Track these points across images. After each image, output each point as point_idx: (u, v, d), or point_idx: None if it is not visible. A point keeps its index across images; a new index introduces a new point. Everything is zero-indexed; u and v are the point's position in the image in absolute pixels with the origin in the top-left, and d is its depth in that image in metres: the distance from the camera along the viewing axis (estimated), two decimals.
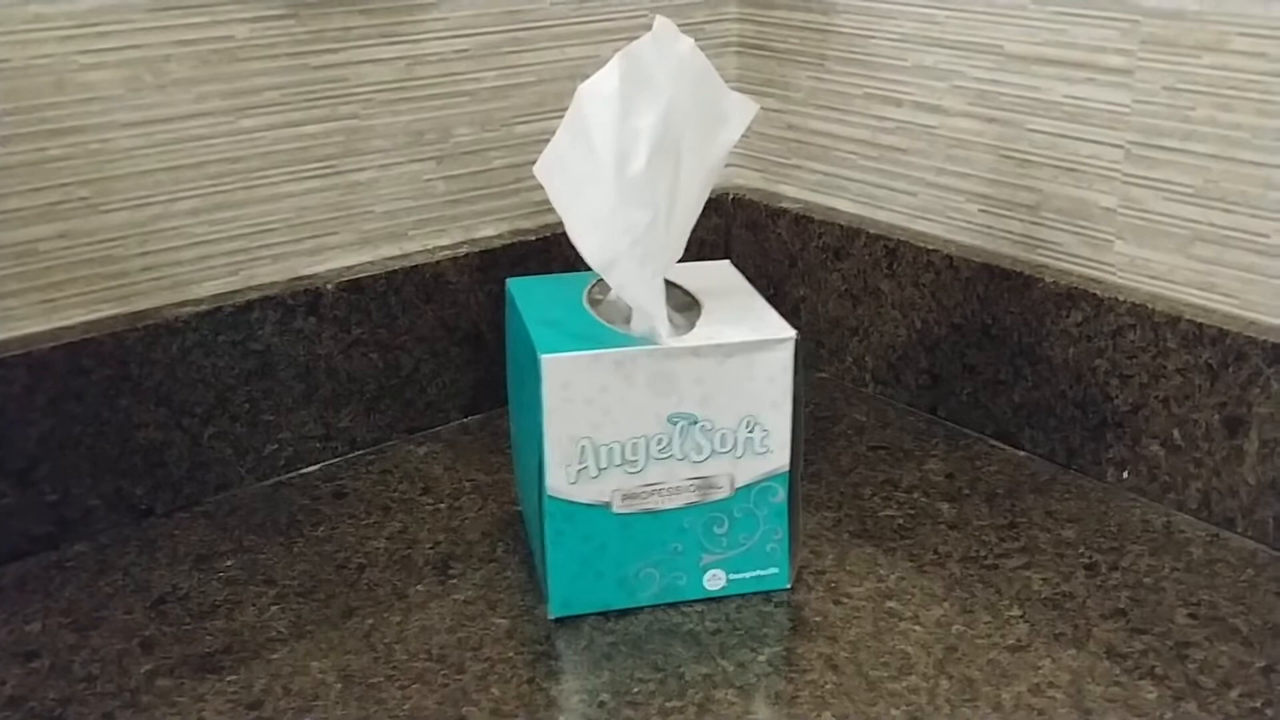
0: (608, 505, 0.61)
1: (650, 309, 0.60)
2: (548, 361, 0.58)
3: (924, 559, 0.67)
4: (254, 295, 0.74)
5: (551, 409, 0.59)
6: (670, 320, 0.62)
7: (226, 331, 0.72)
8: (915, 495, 0.73)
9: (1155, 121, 0.69)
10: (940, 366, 0.81)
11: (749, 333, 0.61)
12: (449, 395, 0.82)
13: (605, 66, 0.57)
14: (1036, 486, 0.74)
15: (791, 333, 0.61)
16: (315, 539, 0.70)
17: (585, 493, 0.61)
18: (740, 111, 0.62)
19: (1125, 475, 0.73)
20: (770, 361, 0.61)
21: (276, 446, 0.76)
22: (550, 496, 0.60)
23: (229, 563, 0.68)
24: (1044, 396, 0.76)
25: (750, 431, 0.62)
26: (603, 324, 0.62)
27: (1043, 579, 0.65)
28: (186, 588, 0.66)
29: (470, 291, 0.81)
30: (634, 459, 0.61)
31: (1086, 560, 0.67)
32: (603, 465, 0.60)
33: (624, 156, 0.57)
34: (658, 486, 0.61)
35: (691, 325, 0.62)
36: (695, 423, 0.61)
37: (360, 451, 0.79)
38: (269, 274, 0.76)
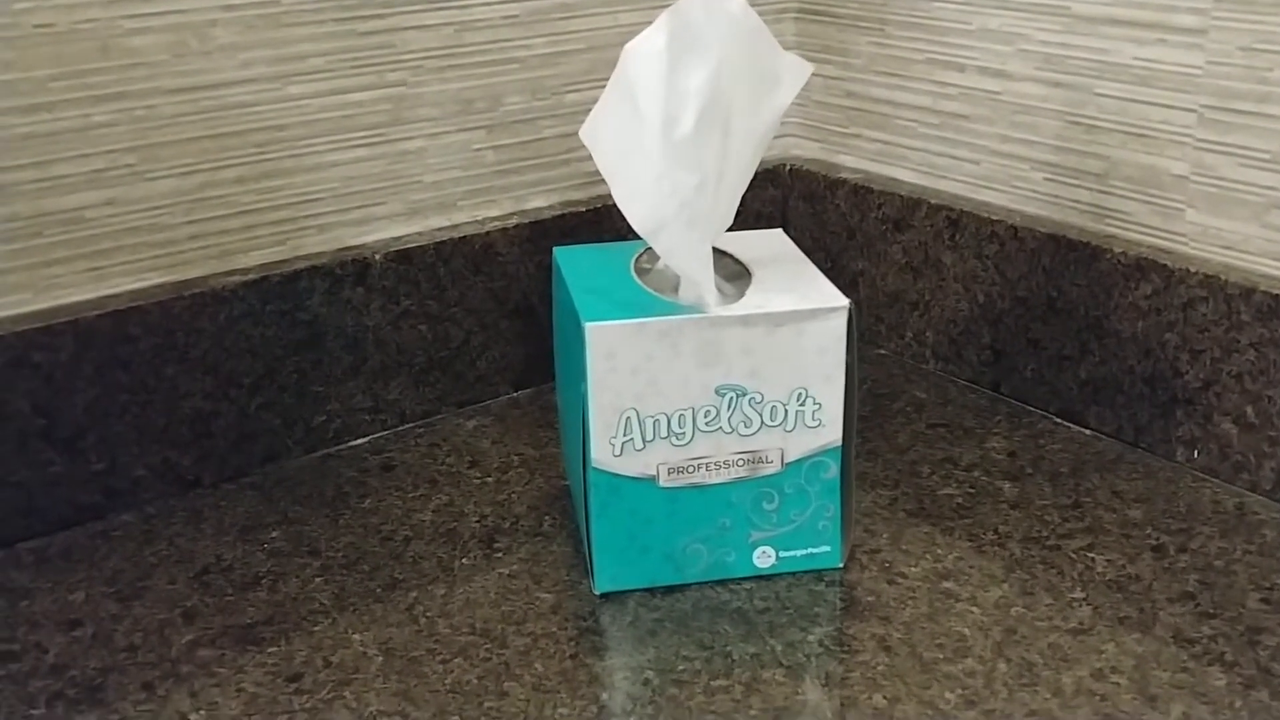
0: (653, 479, 0.59)
1: (697, 276, 0.58)
2: (592, 330, 0.57)
3: (983, 539, 0.65)
4: (301, 265, 0.73)
5: (596, 379, 0.57)
6: (719, 289, 0.60)
7: (274, 301, 0.72)
8: (975, 474, 0.71)
9: (1230, 84, 0.66)
10: (1003, 342, 0.78)
11: (800, 301, 0.59)
12: (498, 369, 0.81)
13: (652, 25, 0.55)
14: (1102, 465, 0.71)
15: (845, 301, 0.59)
16: (361, 511, 0.69)
17: (630, 465, 0.59)
18: (794, 73, 0.60)
19: (1195, 454, 0.70)
20: (822, 331, 0.59)
21: (325, 418, 0.75)
22: (595, 469, 0.59)
23: (274, 534, 0.67)
24: (1111, 372, 0.73)
25: (801, 404, 0.60)
26: (650, 292, 0.60)
27: (1107, 560, 0.63)
28: (230, 559, 0.65)
29: (520, 263, 0.80)
30: (680, 431, 0.59)
31: (1154, 541, 0.64)
32: (648, 437, 0.59)
33: (671, 118, 0.56)
34: (705, 460, 0.60)
35: (741, 294, 0.60)
36: (744, 394, 0.59)
37: (409, 424, 0.78)
38: (316, 244, 0.75)
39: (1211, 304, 0.67)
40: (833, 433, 0.60)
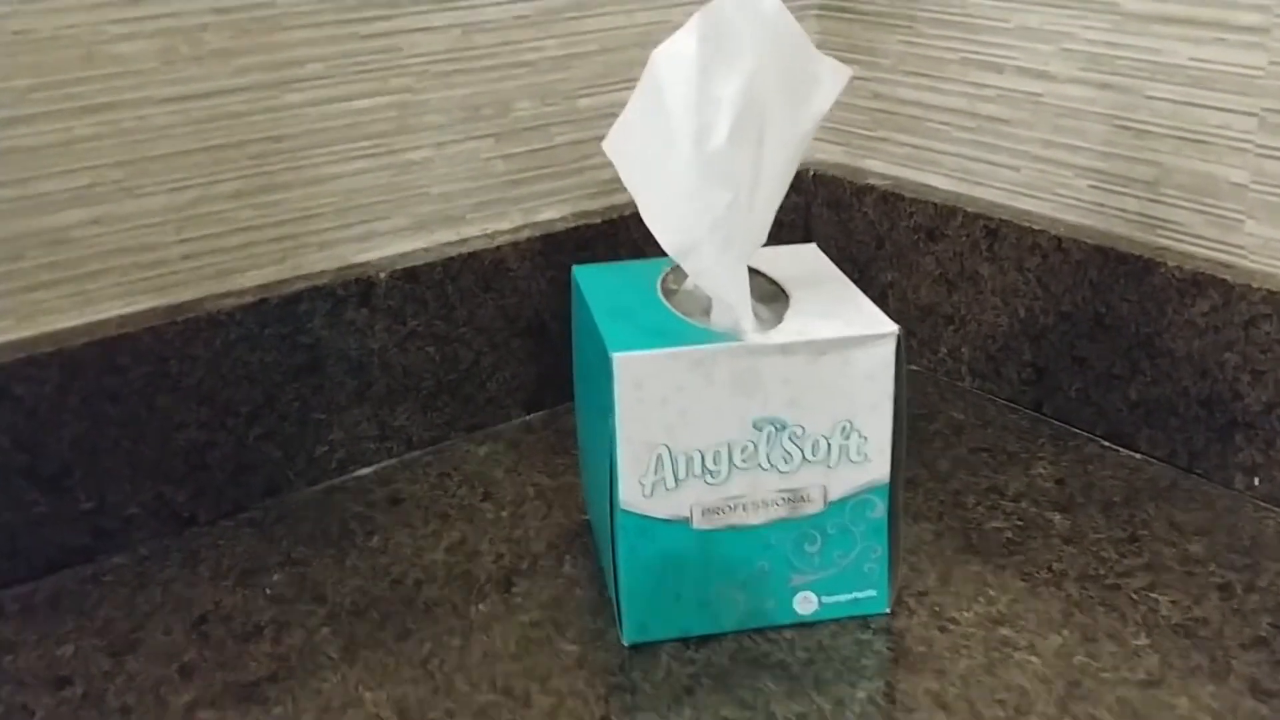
0: (687, 520, 0.55)
1: (733, 300, 0.54)
2: (620, 360, 0.52)
3: (1037, 578, 0.61)
4: (301, 285, 0.68)
5: (624, 412, 0.53)
6: (755, 313, 0.55)
7: (273, 324, 0.67)
8: (1023, 504, 0.67)
9: None
10: (1046, 359, 0.74)
11: (844, 327, 0.54)
12: (511, 391, 0.76)
13: (682, 29, 0.51)
14: (1156, 493, 0.67)
15: (893, 327, 0.54)
16: (369, 550, 0.65)
17: (662, 507, 0.55)
18: (832, 78, 0.55)
19: (1257, 482, 0.65)
20: (869, 359, 0.54)
21: (328, 448, 0.71)
22: (623, 510, 0.54)
23: (276, 577, 0.63)
24: (1164, 394, 0.68)
25: (846, 438, 0.55)
26: (679, 317, 0.56)
27: (1171, 601, 0.59)
28: (230, 606, 0.61)
29: (532, 279, 0.75)
30: (715, 469, 0.55)
31: (1219, 580, 0.60)
32: (680, 476, 0.54)
33: (704, 129, 0.51)
34: (742, 499, 0.55)
35: (779, 318, 0.56)
36: (784, 428, 0.54)
37: (417, 452, 0.74)
38: (317, 262, 0.70)
39: (1276, 322, 0.63)
40: (880, 469, 0.56)
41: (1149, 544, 0.63)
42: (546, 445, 0.74)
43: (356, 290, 0.69)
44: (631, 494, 0.54)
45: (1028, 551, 0.63)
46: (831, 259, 0.84)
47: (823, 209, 0.84)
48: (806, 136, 0.55)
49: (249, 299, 0.66)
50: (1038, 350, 0.74)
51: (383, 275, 0.70)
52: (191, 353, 0.65)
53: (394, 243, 0.73)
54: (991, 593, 0.60)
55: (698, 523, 0.55)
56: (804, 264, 0.62)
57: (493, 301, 0.74)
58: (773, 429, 0.54)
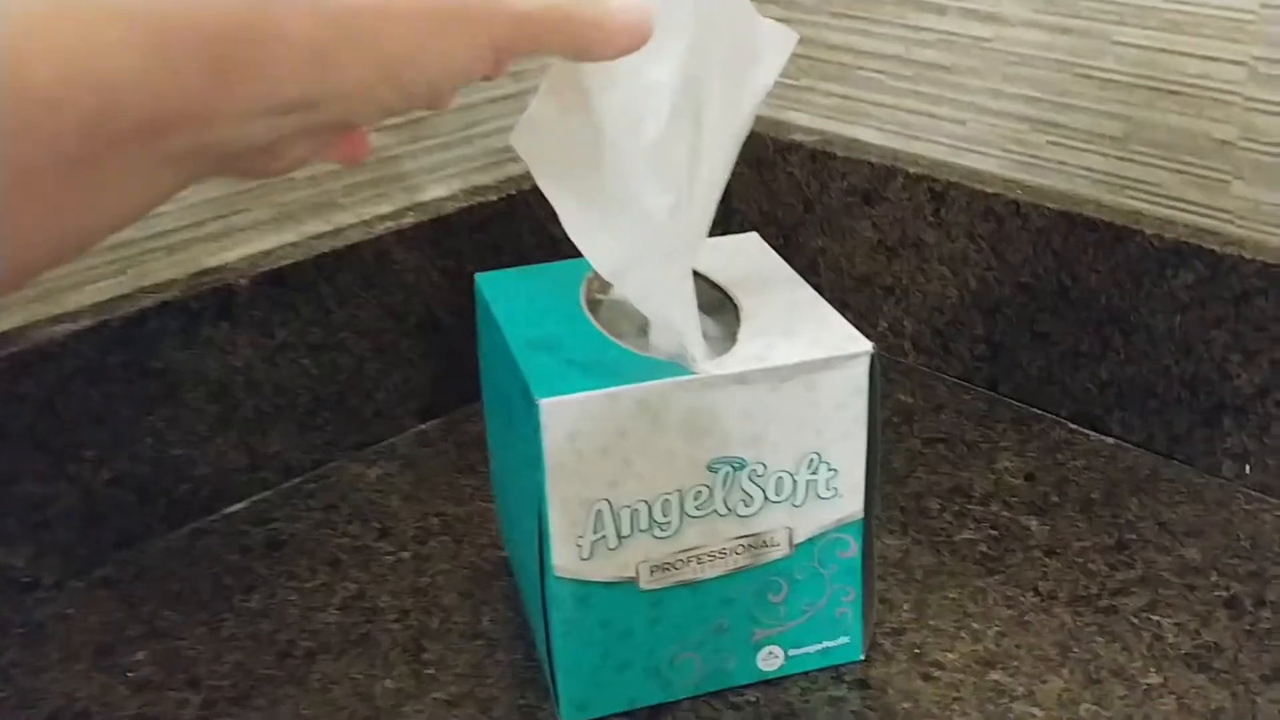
0: (633, 581, 0.46)
1: (680, 324, 0.45)
2: (548, 408, 0.43)
3: (1023, 603, 0.53)
4: (148, 301, 0.57)
5: (555, 467, 0.44)
6: (703, 332, 0.46)
7: (116, 350, 0.56)
8: (994, 508, 0.59)
9: None
10: (1002, 334, 0.66)
11: (810, 348, 0.46)
12: (401, 398, 0.67)
13: None
14: (1137, 486, 0.60)
15: (867, 345, 0.46)
16: (248, 614, 0.55)
17: (603, 569, 0.46)
18: (777, 45, 0.46)
19: (1248, 470, 0.59)
20: (839, 384, 0.46)
21: (190, 485, 0.60)
22: (557, 578, 0.45)
23: (139, 656, 0.53)
24: (1140, 373, 0.62)
25: (814, 472, 0.47)
26: (613, 341, 0.47)
27: (1176, 624, 0.52)
28: (85, 699, 0.50)
29: (420, 270, 0.65)
30: (665, 520, 0.46)
31: (1224, 593, 0.53)
32: (624, 533, 0.46)
33: (635, 121, 0.42)
34: (696, 552, 0.47)
35: (730, 336, 0.47)
36: (743, 467, 0.46)
37: (296, 480, 0.64)
38: (165, 269, 0.59)
39: (1272, 297, 0.56)
40: (852, 503, 0.48)
41: (1140, 551, 0.56)
42: (448, 462, 0.65)
43: (213, 301, 0.59)
44: (567, 558, 0.45)
45: (1008, 568, 0.55)
46: (753, 224, 0.76)
47: (743, 168, 0.75)
48: (749, 117, 0.46)
49: (85, 322, 0.55)
50: (992, 325, 0.67)
51: (244, 281, 0.59)
52: (19, 391, 0.54)
53: (255, 239, 0.62)
54: (975, 625, 0.52)
55: (645, 583, 0.47)
56: (748, 261, 0.53)
57: (376, 300, 0.64)
58: (730, 469, 0.46)
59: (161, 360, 0.58)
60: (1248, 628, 0.52)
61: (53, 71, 0.25)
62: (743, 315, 0.48)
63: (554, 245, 0.70)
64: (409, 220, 0.65)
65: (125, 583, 0.57)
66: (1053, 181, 0.64)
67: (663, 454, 0.45)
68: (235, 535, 0.60)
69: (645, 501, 0.45)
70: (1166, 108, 0.59)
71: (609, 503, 0.45)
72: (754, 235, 0.55)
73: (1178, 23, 0.57)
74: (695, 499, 0.46)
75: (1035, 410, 0.66)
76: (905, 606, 0.54)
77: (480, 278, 0.52)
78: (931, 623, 0.53)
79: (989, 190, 0.65)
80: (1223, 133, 0.58)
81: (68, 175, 0.26)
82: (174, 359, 0.58)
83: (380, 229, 0.64)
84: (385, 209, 0.66)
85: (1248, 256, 0.56)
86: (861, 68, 0.70)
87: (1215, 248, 0.57)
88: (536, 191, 0.69)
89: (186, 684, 0.51)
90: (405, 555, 0.58)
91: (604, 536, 0.45)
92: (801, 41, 0.72)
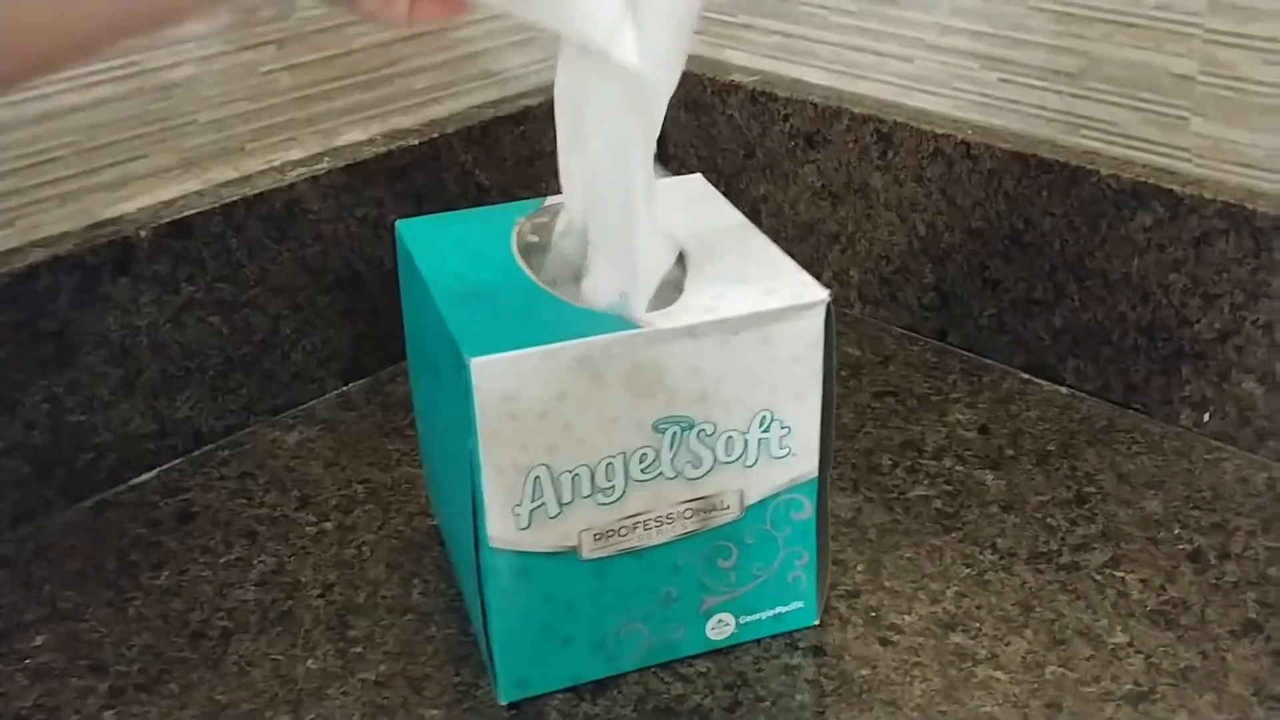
0: (574, 550, 0.43)
1: (632, 261, 0.42)
2: (480, 368, 0.39)
3: (982, 561, 0.51)
4: (40, 256, 0.53)
5: (488, 432, 0.40)
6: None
7: (6, 309, 0.52)
8: (948, 463, 0.57)
9: None
10: (952, 282, 0.64)
11: (763, 298, 0.43)
12: (321, 359, 0.62)
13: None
14: (1094, 436, 0.58)
15: (823, 294, 0.43)
16: (157, 591, 0.51)
17: (543, 539, 0.42)
18: None
19: (1206, 418, 0.57)
20: (794, 336, 0.43)
21: (93, 455, 0.56)
22: (493, 549, 0.42)
23: (38, 641, 0.48)
24: (1096, 320, 0.59)
25: (766, 430, 0.44)
26: (548, 292, 0.43)
27: (1141, 580, 0.50)
28: None
29: (338, 220, 0.61)
30: (608, 485, 0.43)
31: (1187, 546, 0.51)
32: (565, 500, 0.42)
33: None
34: (642, 517, 0.44)
35: (677, 287, 0.44)
36: (691, 427, 0.43)
37: (208, 447, 0.59)
38: (57, 221, 0.55)
39: (1234, 238, 0.54)
40: (806, 462, 0.45)
41: (1100, 505, 0.54)
42: (373, 425, 0.61)
43: (111, 255, 0.54)
44: (502, 528, 0.42)
45: (965, 526, 0.53)
46: (692, 169, 0.72)
47: (680, 111, 0.71)
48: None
49: None
50: (941, 272, 0.64)
51: (144, 233, 0.55)
52: None
53: (156, 187, 0.57)
54: (933, 586, 0.50)
55: (588, 552, 0.43)
56: (694, 204, 0.49)
57: (289, 253, 0.60)
58: (678, 430, 0.43)
59: (55, 321, 0.53)
60: (1213, 581, 0.49)
61: None
62: (689, 262, 0.45)
63: (480, 193, 0.66)
64: (324, 166, 0.60)
65: (23, 562, 0.53)
66: (1005, 121, 0.61)
67: (605, 414, 0.41)
68: (143, 508, 0.56)
69: (587, 466, 0.42)
70: (1123, 41, 0.56)
71: (548, 468, 0.41)
72: (698, 176, 0.51)
73: None
74: (641, 462, 0.43)
75: (986, 360, 0.64)
76: (859, 568, 0.51)
77: (402, 225, 0.48)
78: (887, 584, 0.50)
79: (938, 131, 0.62)
80: (1182, 67, 0.55)
81: None
82: (69, 318, 0.53)
83: (292, 176, 0.59)
84: (298, 154, 0.61)
85: (1208, 196, 0.54)
86: (803, 3, 0.67)
87: (1174, 188, 0.55)
88: (461, 135, 0.65)
89: (90, 670, 0.47)
90: (328, 526, 0.54)
91: (543, 504, 0.42)
92: None
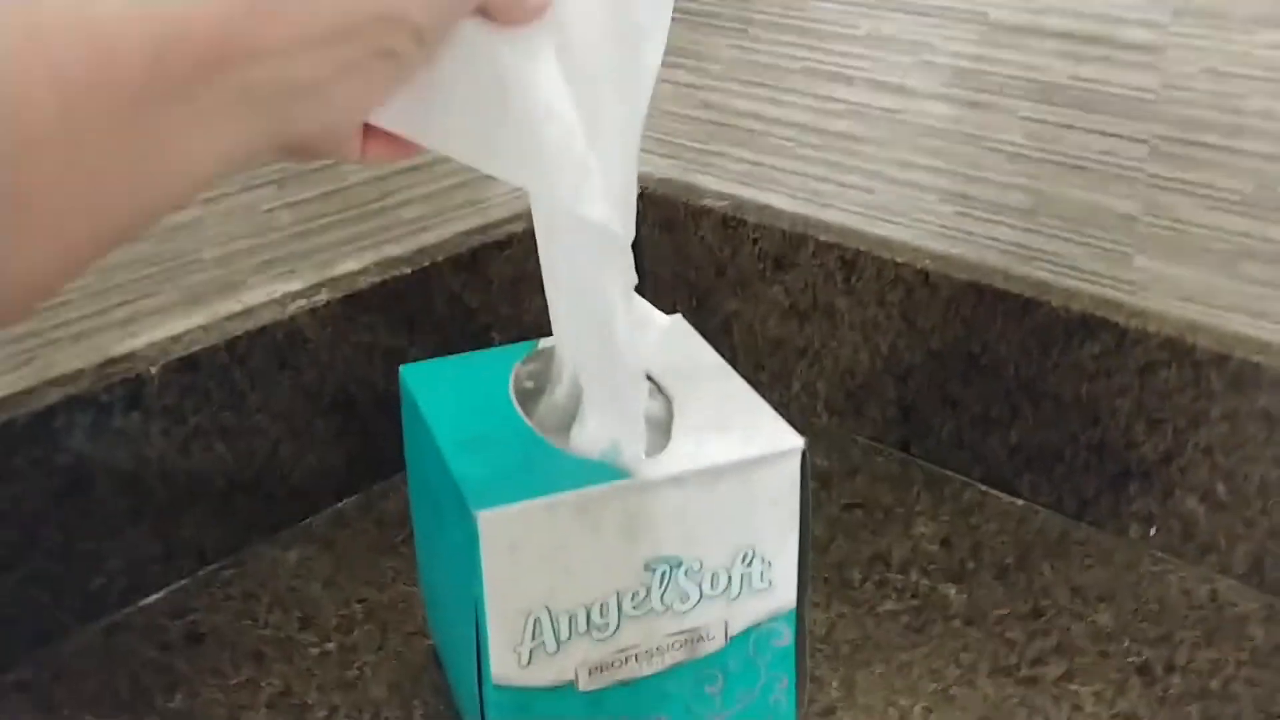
0: (571, 684, 0.46)
1: (626, 409, 0.45)
2: (486, 520, 0.43)
3: (947, 675, 0.55)
4: (55, 395, 0.55)
5: (494, 579, 0.43)
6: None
7: (23, 448, 0.54)
8: (913, 576, 0.60)
9: (1192, 111, 0.56)
10: (913, 398, 0.68)
11: (744, 445, 0.46)
12: (317, 478, 0.65)
13: None
14: (1049, 549, 0.62)
15: (798, 441, 0.46)
16: (173, 715, 0.53)
17: (542, 675, 0.46)
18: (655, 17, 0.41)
19: (1153, 532, 0.61)
20: (773, 480, 0.46)
21: (104, 580, 0.58)
22: (496, 687, 0.45)
23: None
24: (1049, 439, 0.63)
25: (748, 565, 0.47)
26: (546, 441, 0.47)
27: (1094, 694, 0.53)
28: None
29: (334, 347, 0.64)
30: (603, 622, 0.46)
31: (1136, 659, 0.55)
32: (564, 637, 0.45)
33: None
34: (634, 650, 0.47)
35: (665, 433, 0.47)
36: (679, 565, 0.46)
37: (212, 566, 0.62)
38: (71, 359, 0.58)
39: (1175, 369, 0.58)
40: (785, 594, 0.48)
41: (1055, 618, 0.57)
42: (368, 542, 0.64)
43: (123, 392, 0.57)
44: (505, 667, 0.45)
45: (931, 640, 0.57)
46: (666, 288, 0.76)
47: (654, 230, 0.75)
48: (646, 95, 0.41)
49: None
50: (904, 389, 0.68)
51: (154, 370, 0.58)
52: None
53: (164, 323, 0.60)
54: (903, 702, 0.53)
55: (584, 684, 0.47)
56: (674, 345, 0.53)
57: (289, 380, 0.63)
58: (667, 568, 0.46)
59: (70, 456, 0.56)
60: (1160, 695, 0.53)
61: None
62: (675, 408, 0.48)
63: (469, 315, 0.69)
64: (322, 298, 0.64)
65: (43, 686, 0.55)
66: (962, 251, 0.66)
67: (601, 557, 0.45)
68: (153, 630, 0.58)
69: (584, 605, 0.45)
70: (1073, 182, 0.61)
71: (548, 609, 0.45)
72: (679, 317, 0.55)
73: (1083, 100, 0.59)
74: (633, 599, 0.46)
75: (947, 472, 0.68)
76: (834, 684, 0.54)
77: (405, 370, 0.51)
78: (861, 700, 0.53)
79: (898, 259, 0.66)
80: (1126, 207, 0.59)
81: (131, 122, 0.27)
82: (83, 453, 0.56)
83: (293, 308, 0.63)
84: (297, 285, 0.65)
85: (1151, 330, 0.58)
86: (771, 134, 0.71)
87: (1119, 320, 0.59)
88: (450, 261, 0.69)
89: None
90: (330, 646, 0.57)
91: (542, 642, 0.45)
92: (710, 107, 0.73)
